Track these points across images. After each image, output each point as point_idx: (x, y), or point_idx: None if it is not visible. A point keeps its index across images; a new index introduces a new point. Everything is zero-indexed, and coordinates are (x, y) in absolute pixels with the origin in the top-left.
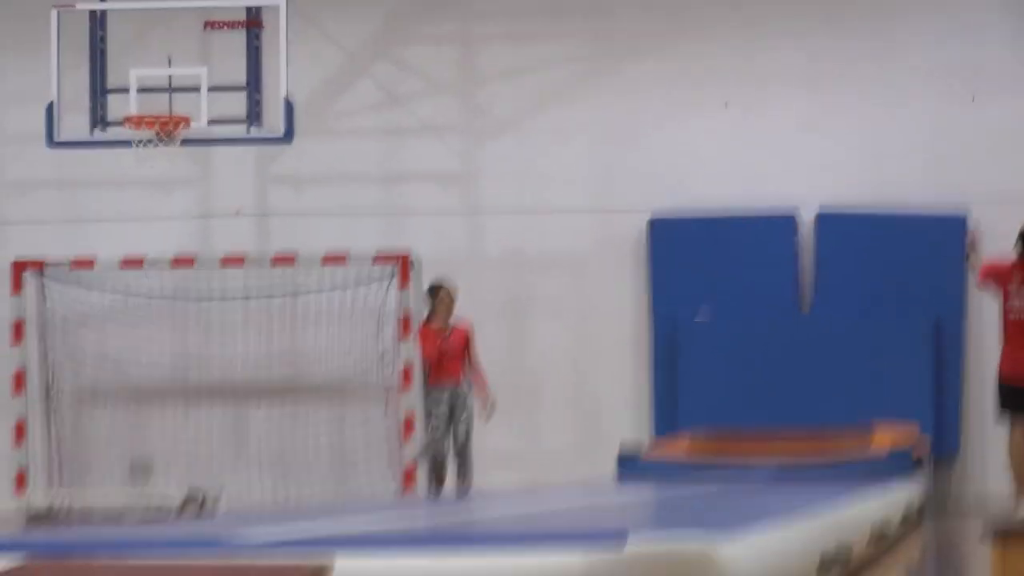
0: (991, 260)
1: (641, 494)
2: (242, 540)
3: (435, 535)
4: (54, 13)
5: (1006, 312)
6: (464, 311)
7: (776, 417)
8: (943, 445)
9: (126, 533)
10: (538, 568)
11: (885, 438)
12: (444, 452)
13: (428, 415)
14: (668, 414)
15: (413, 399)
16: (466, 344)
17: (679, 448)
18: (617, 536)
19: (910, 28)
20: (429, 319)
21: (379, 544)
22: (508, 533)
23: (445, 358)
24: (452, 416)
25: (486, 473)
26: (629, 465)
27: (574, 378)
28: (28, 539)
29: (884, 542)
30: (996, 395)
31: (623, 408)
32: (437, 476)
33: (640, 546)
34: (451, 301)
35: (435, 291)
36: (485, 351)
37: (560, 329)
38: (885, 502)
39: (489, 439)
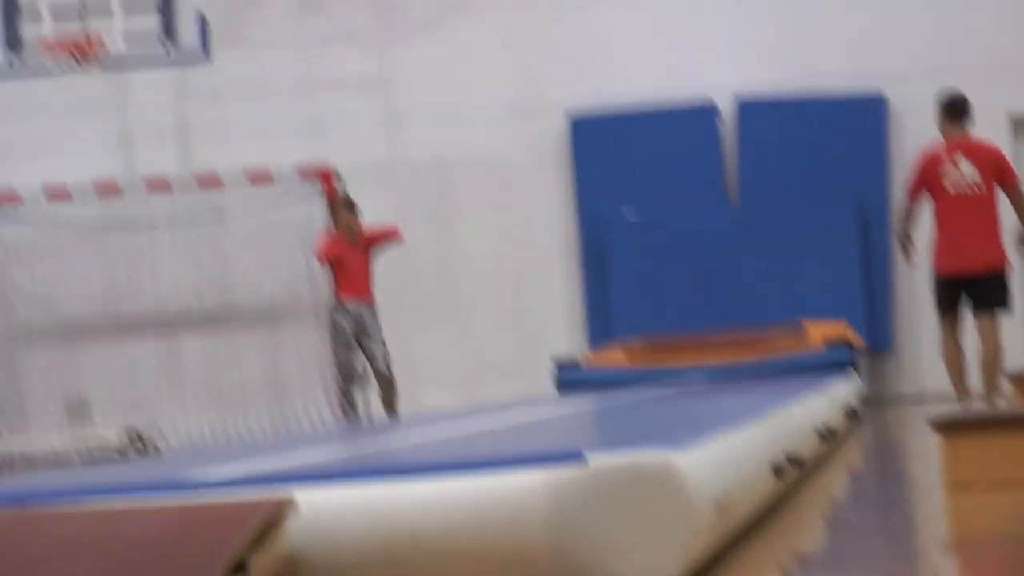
0: (909, 177)
1: (585, 406)
2: (200, 479)
3: (393, 462)
4: None
5: (939, 197)
6: (390, 218)
7: (709, 315)
8: (876, 340)
9: (81, 479)
10: (501, 489)
11: (819, 335)
12: (353, 375)
13: (334, 334)
14: (601, 317)
15: None
16: (372, 249)
17: (615, 356)
18: (576, 452)
19: None
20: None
21: (337, 475)
22: (466, 456)
23: (349, 270)
24: (360, 335)
25: (419, 386)
26: (568, 375)
27: (505, 284)
28: None
29: (830, 440)
30: (934, 292)
31: (556, 313)
32: (348, 402)
33: (601, 461)
34: (344, 207)
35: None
36: (413, 260)
37: (488, 234)
38: (827, 401)
39: (421, 350)
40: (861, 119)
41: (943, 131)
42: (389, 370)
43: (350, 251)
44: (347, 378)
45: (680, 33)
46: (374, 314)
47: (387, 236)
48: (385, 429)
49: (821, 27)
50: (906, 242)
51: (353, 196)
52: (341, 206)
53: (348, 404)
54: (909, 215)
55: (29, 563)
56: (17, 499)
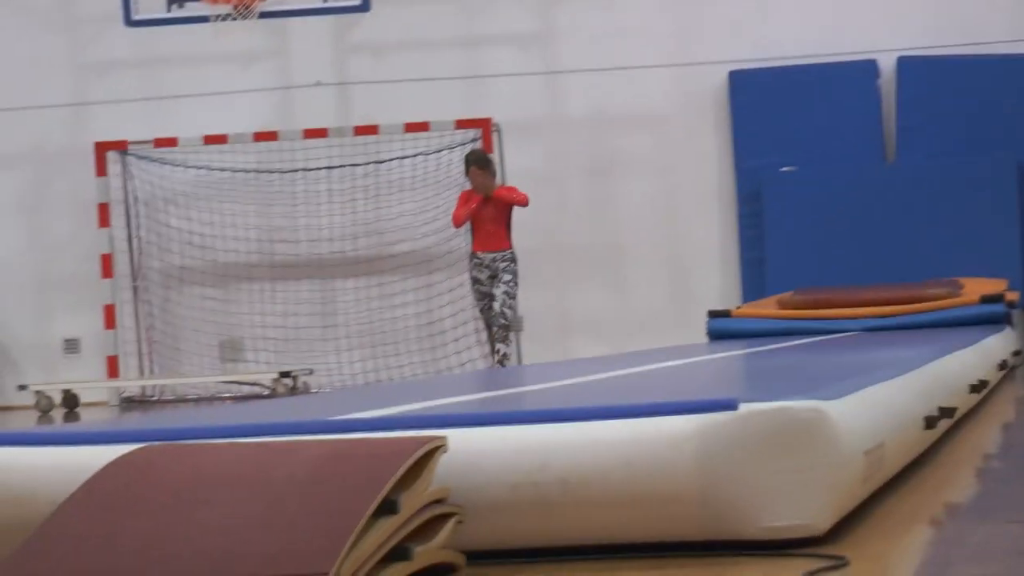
0: None
1: (737, 355)
2: (351, 420)
3: (544, 406)
4: None
5: None
6: (547, 173)
7: (864, 270)
8: None
9: (233, 416)
10: (651, 434)
11: (974, 291)
12: (490, 320)
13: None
14: (756, 271)
15: None
16: (507, 208)
17: (769, 308)
18: (727, 399)
19: None
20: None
21: (487, 418)
22: (616, 401)
23: (484, 227)
24: (492, 281)
25: (572, 337)
26: (720, 326)
27: (660, 238)
28: (136, 427)
29: (982, 394)
30: None
31: (711, 265)
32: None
33: (751, 408)
34: (480, 170)
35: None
36: (572, 212)
37: (645, 187)
38: (980, 355)
39: (575, 302)
40: (1021, 78)
41: None
42: (503, 312)
43: (483, 208)
44: (488, 326)
45: None
46: (508, 259)
47: (513, 201)
48: (536, 374)
49: None
50: None
51: (487, 154)
52: (475, 164)
53: (492, 351)
54: None
55: (183, 495)
56: (172, 434)
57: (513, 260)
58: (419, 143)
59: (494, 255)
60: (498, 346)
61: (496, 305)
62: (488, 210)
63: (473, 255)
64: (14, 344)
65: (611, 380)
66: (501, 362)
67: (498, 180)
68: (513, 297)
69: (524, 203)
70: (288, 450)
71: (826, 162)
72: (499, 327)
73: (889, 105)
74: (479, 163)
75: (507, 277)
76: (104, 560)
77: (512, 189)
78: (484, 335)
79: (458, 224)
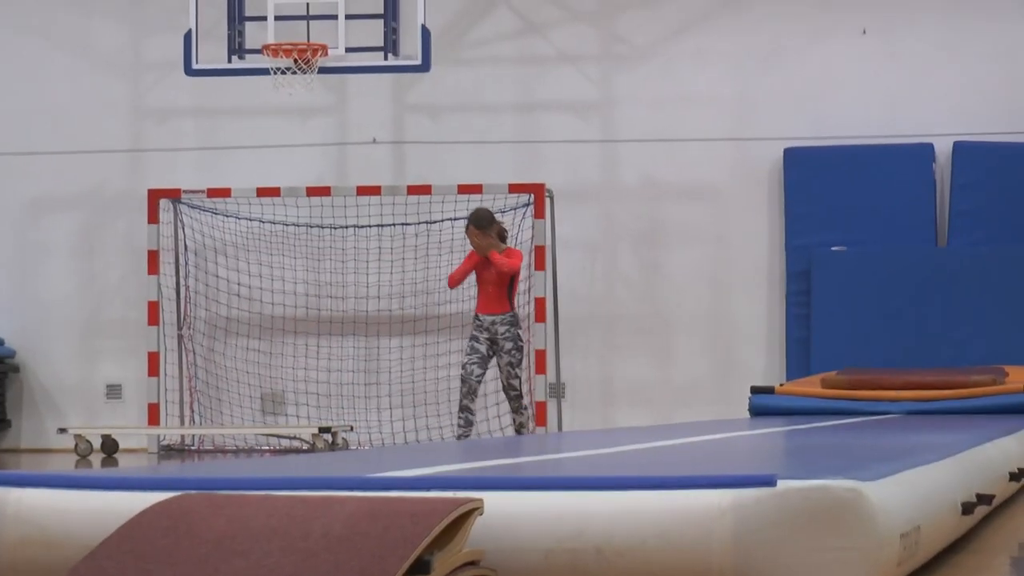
0: None
1: (777, 431)
2: (389, 478)
3: (582, 473)
4: None
5: None
6: (599, 240)
7: (909, 354)
8: None
9: (272, 469)
10: (689, 507)
11: (1019, 378)
12: (469, 385)
13: (471, 339)
14: (802, 348)
15: (545, 332)
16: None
17: (812, 386)
18: (766, 475)
19: None
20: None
21: (525, 482)
22: (655, 472)
23: (485, 289)
24: (494, 349)
25: (615, 405)
26: (762, 402)
27: (707, 309)
28: (174, 474)
29: (1021, 482)
30: None
31: (757, 340)
32: (461, 407)
33: (790, 485)
34: (477, 231)
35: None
36: (620, 280)
37: (694, 259)
38: (1022, 443)
39: (619, 370)
40: None
41: None
42: (510, 384)
43: (485, 269)
44: (463, 386)
45: (901, 70)
46: (508, 322)
47: (497, 265)
48: (576, 441)
49: None
50: None
51: (496, 217)
52: (472, 223)
53: (461, 410)
54: None
55: (218, 546)
56: (210, 483)
57: (513, 324)
58: (472, 205)
59: (493, 318)
60: (514, 417)
61: (502, 379)
62: (490, 272)
63: (475, 316)
64: (57, 387)
65: (650, 450)
66: (519, 431)
67: (519, 243)
68: (517, 366)
69: (511, 270)
70: (324, 505)
71: (877, 243)
72: (511, 399)
73: (943, 189)
74: (477, 223)
75: (508, 346)
76: None
77: (510, 251)
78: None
79: (452, 283)
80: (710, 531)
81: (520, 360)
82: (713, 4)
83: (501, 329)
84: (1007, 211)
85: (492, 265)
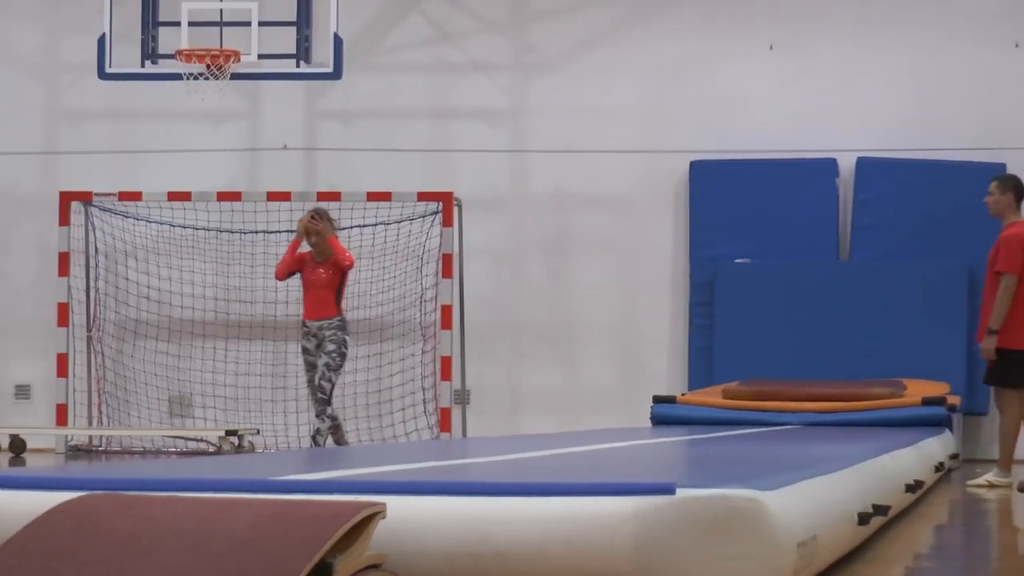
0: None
1: (678, 440)
2: (293, 481)
3: (485, 479)
4: None
5: None
6: (507, 248)
7: (809, 365)
8: (974, 402)
9: (178, 470)
10: (590, 513)
11: (917, 392)
12: (314, 392)
13: (303, 351)
14: (704, 358)
15: (452, 339)
16: (339, 274)
17: (713, 397)
18: (666, 483)
19: None
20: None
21: (428, 487)
22: (557, 478)
23: (311, 291)
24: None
25: (521, 412)
26: (664, 411)
27: (613, 318)
28: (81, 474)
29: (917, 494)
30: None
31: (660, 350)
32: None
33: (689, 494)
34: (315, 230)
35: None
36: (528, 288)
37: (602, 269)
38: (918, 455)
39: (526, 377)
40: (980, 184)
41: None
42: (320, 385)
43: (313, 272)
44: (312, 398)
45: (807, 87)
46: (335, 327)
47: (340, 254)
48: (481, 447)
49: (944, 95)
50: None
51: (330, 214)
52: (320, 212)
53: (325, 418)
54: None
55: (124, 546)
56: (116, 484)
57: (341, 329)
58: (380, 212)
59: (320, 323)
60: (314, 421)
61: (315, 377)
62: (318, 275)
63: (303, 324)
64: None
65: (555, 457)
66: (315, 439)
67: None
68: (334, 369)
69: (349, 261)
70: (229, 507)
71: (780, 256)
72: (316, 400)
73: (846, 203)
74: (317, 211)
75: (330, 347)
76: None
77: (342, 253)
78: (432, 406)
79: (278, 275)
80: (612, 538)
81: (339, 366)
82: (624, 16)
83: (328, 333)
84: (908, 226)
85: (330, 255)
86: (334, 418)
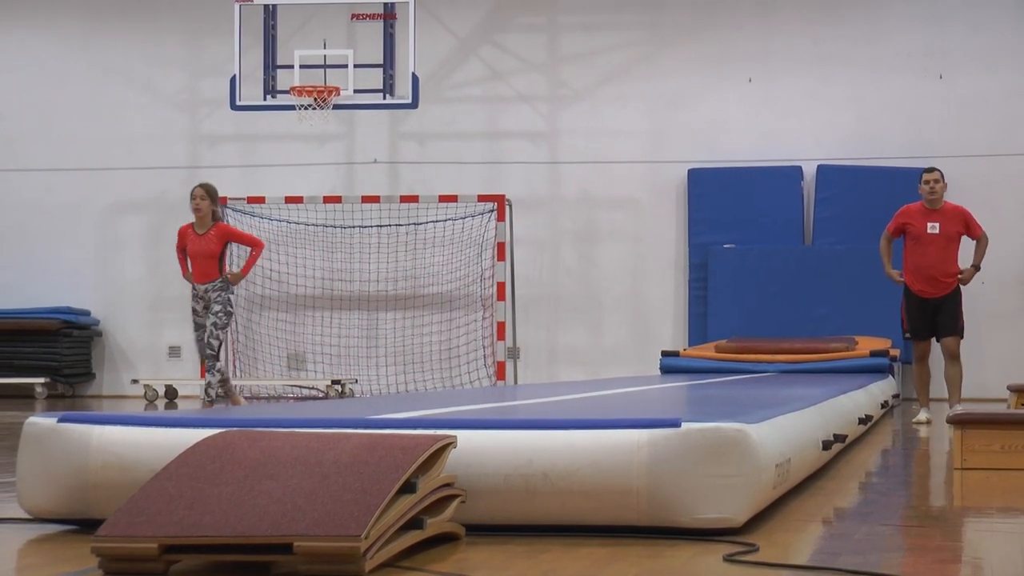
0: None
1: (682, 386)
2: (385, 418)
3: (531, 417)
4: (236, 7)
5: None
6: (546, 238)
7: (783, 326)
8: (908, 354)
9: (294, 411)
10: (613, 443)
11: (866, 346)
12: (203, 350)
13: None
14: (700, 322)
15: (505, 309)
16: (222, 244)
17: (708, 351)
18: (673, 419)
19: (894, 17)
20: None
21: (488, 423)
22: (588, 416)
23: (197, 260)
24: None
25: (558, 365)
26: (670, 363)
27: (629, 292)
28: (220, 415)
29: (867, 426)
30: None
31: (666, 315)
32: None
33: (691, 427)
34: (201, 201)
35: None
36: (562, 269)
37: (619, 253)
38: (868, 395)
39: (561, 338)
40: (910, 186)
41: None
42: (209, 342)
43: (197, 241)
44: (202, 354)
45: (777, 110)
46: (218, 288)
47: (243, 242)
48: (528, 392)
49: (883, 116)
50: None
51: (212, 191)
52: (209, 190)
53: (215, 372)
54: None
55: (254, 470)
56: (248, 423)
57: (224, 289)
58: (449, 211)
59: (206, 286)
60: (207, 377)
61: (204, 335)
62: (199, 247)
63: (192, 288)
64: (131, 348)
65: (585, 399)
66: (206, 391)
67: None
68: (221, 328)
69: (254, 248)
70: (335, 439)
71: (758, 242)
72: (205, 356)
73: (809, 201)
74: (207, 188)
75: (216, 308)
76: (191, 517)
77: (245, 236)
78: (490, 360)
79: (178, 250)
80: (630, 461)
81: (226, 324)
82: (633, 58)
83: (213, 295)
84: (857, 219)
85: (210, 227)
86: (222, 371)
